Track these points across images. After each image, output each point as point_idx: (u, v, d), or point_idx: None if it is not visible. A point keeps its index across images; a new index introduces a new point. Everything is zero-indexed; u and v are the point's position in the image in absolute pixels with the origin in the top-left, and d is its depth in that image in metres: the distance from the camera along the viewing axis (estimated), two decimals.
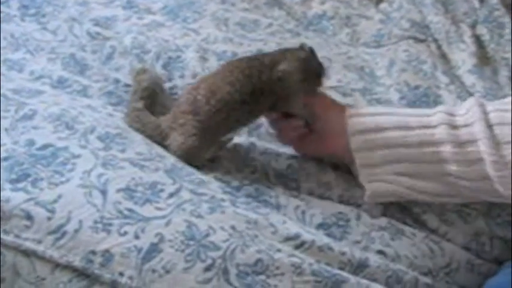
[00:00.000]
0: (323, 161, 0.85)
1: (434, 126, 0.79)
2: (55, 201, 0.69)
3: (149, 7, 1.03)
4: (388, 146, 0.79)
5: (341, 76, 0.95)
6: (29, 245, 0.67)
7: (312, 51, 0.81)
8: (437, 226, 0.83)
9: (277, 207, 0.78)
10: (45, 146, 0.75)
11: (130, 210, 0.70)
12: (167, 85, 0.91)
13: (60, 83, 0.89)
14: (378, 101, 0.93)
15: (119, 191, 0.71)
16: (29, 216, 0.68)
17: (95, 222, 0.68)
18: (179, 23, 1.00)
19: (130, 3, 1.03)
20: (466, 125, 0.78)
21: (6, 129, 0.77)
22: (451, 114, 0.79)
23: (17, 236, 0.67)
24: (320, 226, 0.78)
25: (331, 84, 0.94)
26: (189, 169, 0.78)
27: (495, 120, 0.77)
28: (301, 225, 0.77)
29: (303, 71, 0.80)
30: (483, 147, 0.76)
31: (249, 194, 0.79)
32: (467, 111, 0.79)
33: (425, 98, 0.95)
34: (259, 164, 0.83)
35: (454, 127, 0.78)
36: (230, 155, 0.84)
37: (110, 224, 0.68)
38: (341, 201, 0.82)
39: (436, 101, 0.95)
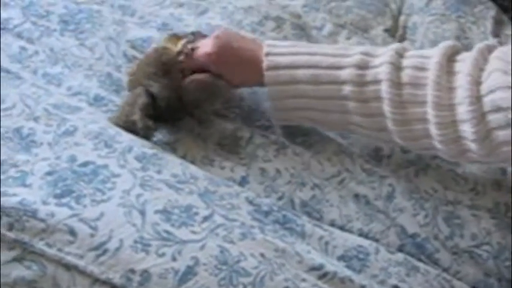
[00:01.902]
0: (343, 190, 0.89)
1: (344, 67, 0.84)
2: (97, 218, 0.72)
3: (183, 30, 1.06)
4: (296, 82, 0.85)
5: None
6: (71, 259, 0.70)
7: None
8: (449, 265, 0.86)
9: (303, 236, 0.82)
10: (86, 163, 0.78)
11: (167, 232, 0.73)
12: (195, 112, 0.93)
13: (96, 101, 0.92)
14: None
15: (156, 212, 0.75)
16: (72, 232, 0.71)
17: (135, 241, 0.71)
18: None
19: (165, 26, 1.06)
20: (374, 67, 0.83)
21: (49, 144, 0.80)
22: (369, 55, 0.84)
23: (59, 250, 0.70)
24: (341, 258, 0.82)
25: None
26: (221, 193, 0.82)
27: (408, 64, 0.81)
28: (324, 256, 0.80)
29: None
30: (384, 87, 0.81)
31: (276, 221, 0.82)
32: (384, 53, 0.83)
33: None
34: (286, 191, 0.87)
35: (364, 68, 0.83)
36: (259, 178, 0.87)
37: (149, 245, 0.71)
38: (360, 235, 0.86)
39: None
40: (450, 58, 0.80)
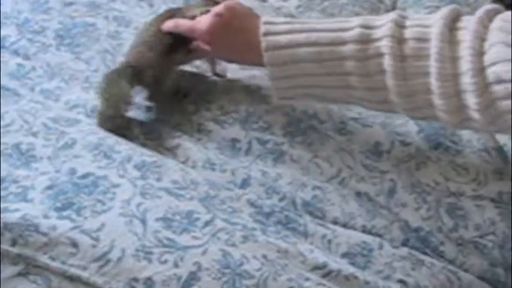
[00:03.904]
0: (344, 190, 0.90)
1: (344, 43, 0.83)
2: (99, 229, 0.73)
3: None
4: (297, 61, 0.85)
5: (361, 109, 0.99)
6: (75, 271, 0.70)
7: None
8: (455, 257, 0.86)
9: (305, 235, 0.82)
10: (86, 175, 0.79)
11: (169, 239, 0.74)
12: (194, 118, 0.95)
13: (94, 112, 0.92)
14: (397, 134, 0.97)
15: (157, 220, 0.75)
16: (74, 244, 0.71)
17: (137, 250, 0.72)
18: None
19: None
20: (375, 40, 0.82)
21: (49, 158, 0.81)
22: (368, 27, 0.83)
23: (63, 263, 0.71)
24: (345, 255, 0.82)
25: (352, 115, 0.98)
26: (222, 197, 0.82)
27: (409, 35, 0.81)
28: (328, 254, 0.81)
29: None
30: (387, 61, 0.80)
31: (278, 221, 0.83)
32: (383, 24, 0.82)
33: (442, 131, 0.99)
34: (287, 191, 0.87)
35: (364, 42, 0.82)
36: (260, 180, 0.88)
37: (151, 253, 0.72)
38: (364, 231, 0.86)
39: (453, 134, 0.99)
40: (452, 26, 0.80)
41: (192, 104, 0.96)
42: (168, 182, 0.81)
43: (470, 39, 0.77)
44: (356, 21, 0.85)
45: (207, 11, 0.91)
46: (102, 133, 0.87)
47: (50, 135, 0.84)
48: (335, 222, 0.86)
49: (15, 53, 1.00)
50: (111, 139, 0.86)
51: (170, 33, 0.93)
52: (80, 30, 1.04)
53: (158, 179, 0.81)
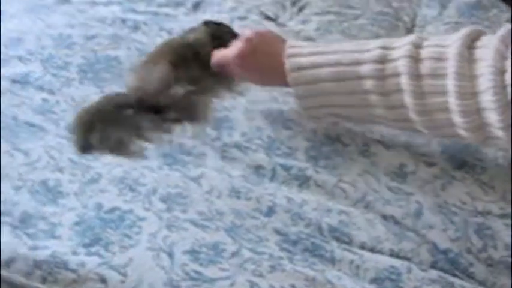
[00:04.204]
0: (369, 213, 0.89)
1: (363, 63, 0.85)
2: (126, 264, 0.73)
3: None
4: (319, 81, 0.88)
5: (385, 131, 0.99)
6: None
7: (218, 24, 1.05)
8: (485, 278, 0.85)
9: (332, 262, 0.82)
10: (112, 210, 0.80)
11: (196, 272, 0.74)
12: (217, 143, 0.95)
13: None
14: (421, 154, 0.96)
15: (184, 252, 0.76)
16: (103, 280, 0.72)
17: (165, 284, 0.72)
18: None
19: None
20: (392, 60, 0.84)
21: (75, 194, 0.82)
22: (387, 48, 0.85)
23: None
24: (373, 281, 0.81)
25: (375, 137, 0.98)
26: (247, 226, 0.83)
27: (426, 55, 0.82)
28: (356, 280, 0.80)
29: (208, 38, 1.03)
30: (404, 80, 0.82)
31: (305, 249, 0.82)
32: (402, 46, 0.84)
33: (467, 149, 0.98)
34: (313, 217, 0.87)
35: (382, 62, 0.84)
36: (285, 207, 0.87)
37: (179, 286, 0.72)
38: (391, 255, 0.85)
39: (478, 151, 0.98)
40: (470, 45, 0.80)
41: (214, 130, 0.97)
42: (193, 213, 0.82)
43: (492, 57, 0.77)
44: (376, 43, 0.87)
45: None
46: (127, 166, 0.88)
47: (76, 170, 0.85)
48: (362, 247, 0.86)
49: (40, 88, 1.01)
50: (136, 171, 0.87)
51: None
52: (103, 66, 1.05)
53: (184, 211, 0.82)
